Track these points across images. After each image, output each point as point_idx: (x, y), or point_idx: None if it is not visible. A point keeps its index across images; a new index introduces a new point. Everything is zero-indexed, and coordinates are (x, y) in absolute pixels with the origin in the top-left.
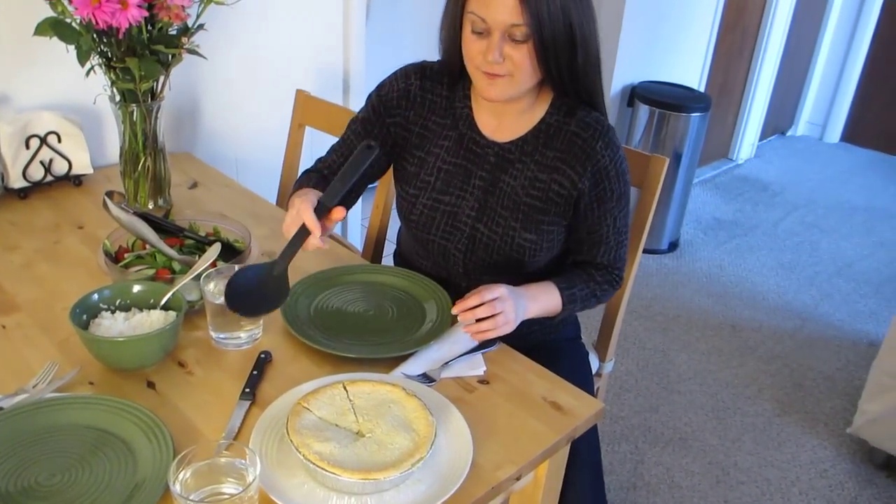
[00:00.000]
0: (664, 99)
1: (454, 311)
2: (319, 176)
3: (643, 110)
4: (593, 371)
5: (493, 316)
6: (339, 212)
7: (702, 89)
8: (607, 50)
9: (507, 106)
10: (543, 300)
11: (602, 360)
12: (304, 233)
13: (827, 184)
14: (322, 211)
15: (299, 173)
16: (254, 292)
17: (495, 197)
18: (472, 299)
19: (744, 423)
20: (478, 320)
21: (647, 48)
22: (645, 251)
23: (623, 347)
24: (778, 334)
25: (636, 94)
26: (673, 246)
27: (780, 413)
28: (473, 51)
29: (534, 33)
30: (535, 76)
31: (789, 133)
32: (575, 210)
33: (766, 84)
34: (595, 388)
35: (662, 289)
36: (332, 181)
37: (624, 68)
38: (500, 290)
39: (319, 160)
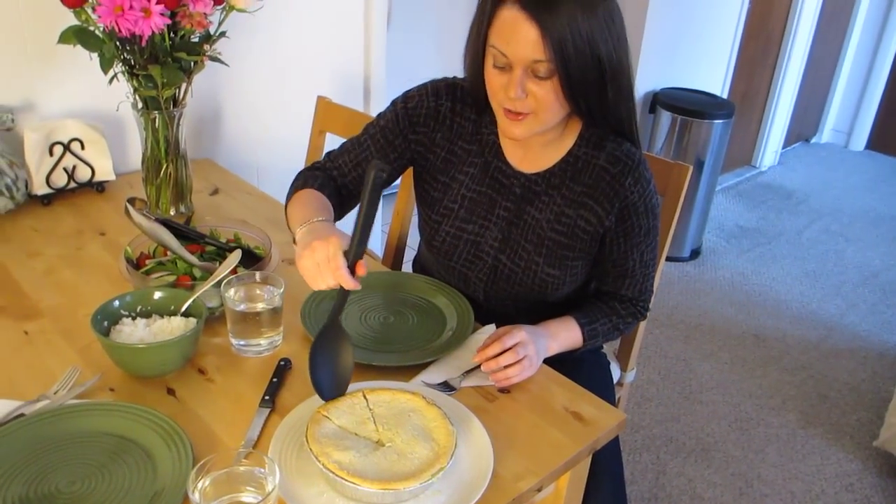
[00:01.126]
0: (687, 105)
1: (476, 360)
2: (326, 177)
3: (665, 117)
4: (615, 380)
5: (517, 361)
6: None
7: (725, 96)
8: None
9: (533, 137)
10: (563, 337)
11: (624, 369)
12: (345, 294)
13: (852, 192)
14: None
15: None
16: (336, 370)
17: (519, 229)
18: (493, 347)
19: (767, 434)
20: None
21: (670, 54)
22: (667, 259)
23: (644, 356)
24: (802, 344)
25: (658, 100)
26: (695, 253)
27: (805, 425)
28: (495, 86)
29: (558, 69)
30: (561, 112)
31: (814, 140)
32: (600, 244)
33: (790, 91)
34: (616, 397)
35: (684, 297)
36: (354, 232)
37: (646, 75)
38: (521, 335)
39: (328, 156)
